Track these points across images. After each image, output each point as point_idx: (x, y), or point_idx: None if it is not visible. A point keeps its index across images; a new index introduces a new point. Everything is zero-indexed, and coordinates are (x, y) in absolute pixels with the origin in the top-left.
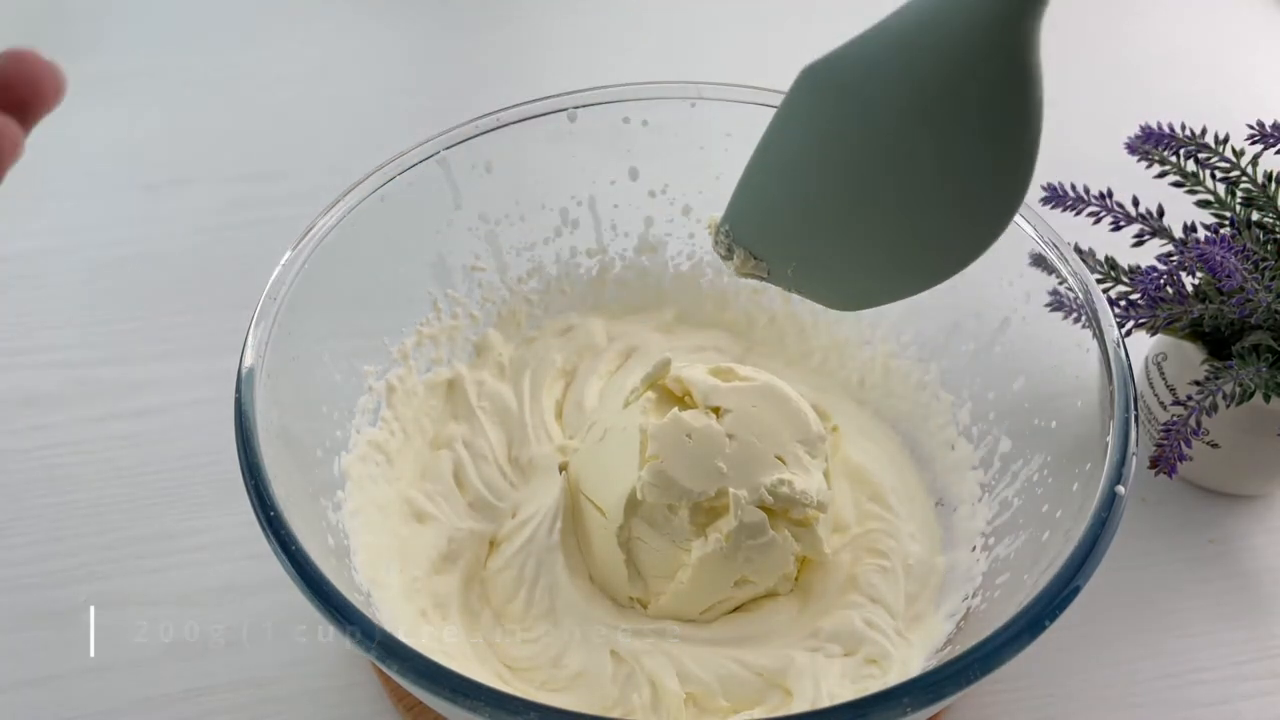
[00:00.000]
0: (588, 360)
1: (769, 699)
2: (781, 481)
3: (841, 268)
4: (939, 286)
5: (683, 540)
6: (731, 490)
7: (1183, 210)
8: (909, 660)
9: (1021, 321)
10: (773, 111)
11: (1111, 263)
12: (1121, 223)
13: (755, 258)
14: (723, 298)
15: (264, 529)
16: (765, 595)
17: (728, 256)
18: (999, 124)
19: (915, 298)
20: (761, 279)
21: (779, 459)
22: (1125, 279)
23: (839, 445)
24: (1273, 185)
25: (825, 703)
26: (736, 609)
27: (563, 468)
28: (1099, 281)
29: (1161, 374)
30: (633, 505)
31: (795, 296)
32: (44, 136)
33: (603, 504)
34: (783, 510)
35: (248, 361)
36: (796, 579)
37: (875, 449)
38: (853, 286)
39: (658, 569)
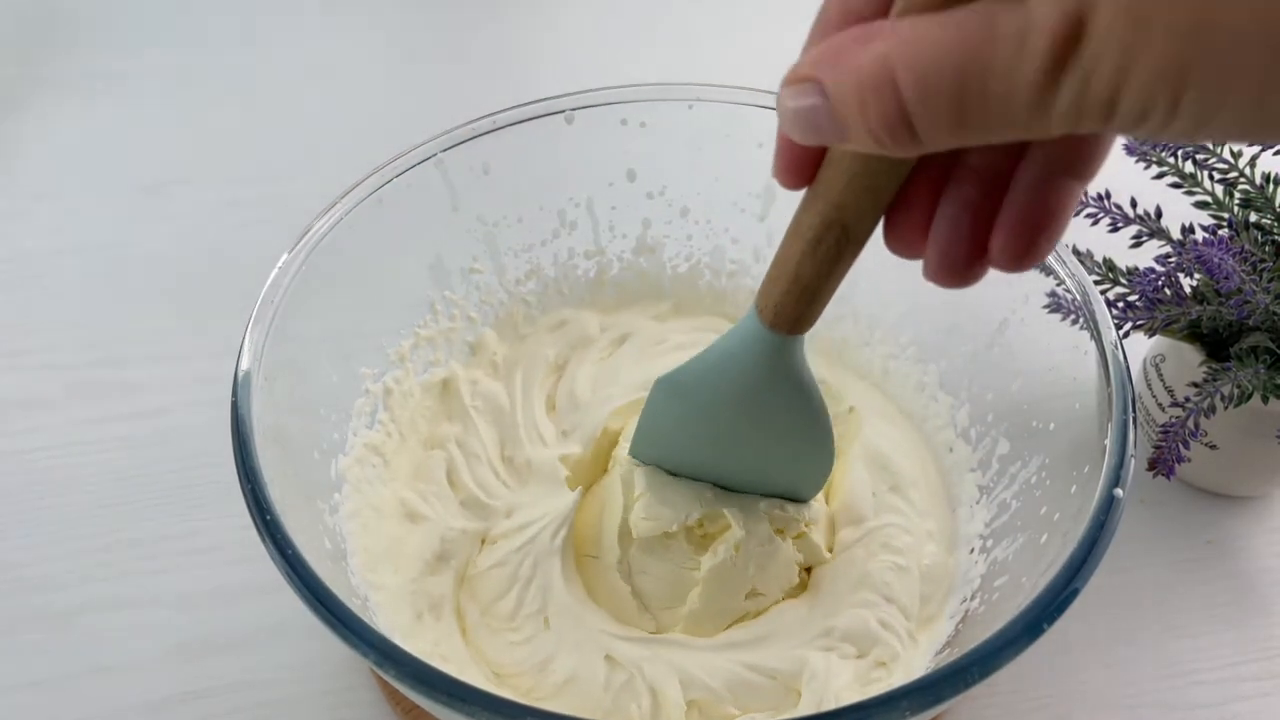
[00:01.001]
0: (580, 350)
1: (783, 704)
2: (773, 503)
3: None
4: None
5: (686, 561)
6: (726, 510)
7: (1181, 211)
8: (912, 662)
9: (1020, 323)
10: (771, 113)
11: (1110, 264)
12: (1119, 224)
13: None
14: (720, 298)
15: (261, 532)
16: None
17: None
18: (788, 409)
19: (915, 298)
20: None
21: None
22: (1123, 280)
23: (859, 428)
24: (1271, 186)
25: (830, 704)
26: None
27: (571, 485)
28: (1097, 283)
29: (1160, 375)
30: (625, 535)
31: None
32: (44, 137)
33: (597, 549)
34: (778, 530)
35: (244, 364)
36: (805, 587)
37: (897, 435)
38: None
39: (664, 599)
